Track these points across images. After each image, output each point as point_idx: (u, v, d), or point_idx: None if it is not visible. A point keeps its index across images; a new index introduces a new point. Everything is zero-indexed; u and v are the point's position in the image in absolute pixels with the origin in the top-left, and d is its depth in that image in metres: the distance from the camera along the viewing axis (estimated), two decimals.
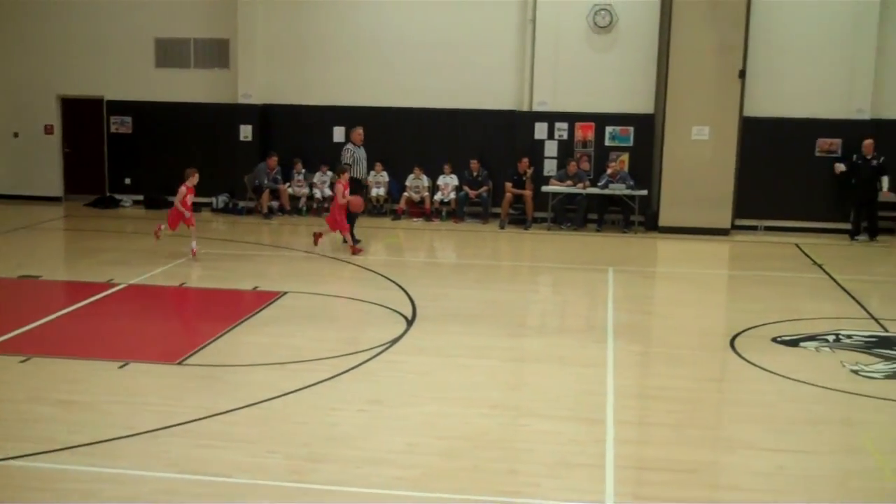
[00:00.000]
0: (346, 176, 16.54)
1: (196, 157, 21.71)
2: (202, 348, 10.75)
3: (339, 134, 21.19)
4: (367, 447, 8.01)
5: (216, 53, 21.66)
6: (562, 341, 11.70)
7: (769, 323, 12.35)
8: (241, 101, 21.36)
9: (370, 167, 20.91)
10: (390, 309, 12.70)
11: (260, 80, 21.40)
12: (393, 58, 20.91)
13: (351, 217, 16.66)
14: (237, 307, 12.91)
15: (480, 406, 9.09)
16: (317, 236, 16.68)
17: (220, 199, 21.44)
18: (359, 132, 17.92)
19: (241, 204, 21.33)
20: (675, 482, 7.50)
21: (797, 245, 18.36)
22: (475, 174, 20.48)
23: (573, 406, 9.24)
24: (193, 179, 15.87)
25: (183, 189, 15.70)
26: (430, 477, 7.47)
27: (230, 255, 16.49)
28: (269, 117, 21.57)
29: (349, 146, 17.76)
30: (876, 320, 12.70)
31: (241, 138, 21.49)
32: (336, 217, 16.30)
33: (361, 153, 17.83)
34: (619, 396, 9.46)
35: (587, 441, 8.26)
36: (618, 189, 19.47)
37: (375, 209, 20.97)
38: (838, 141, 19.63)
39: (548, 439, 8.32)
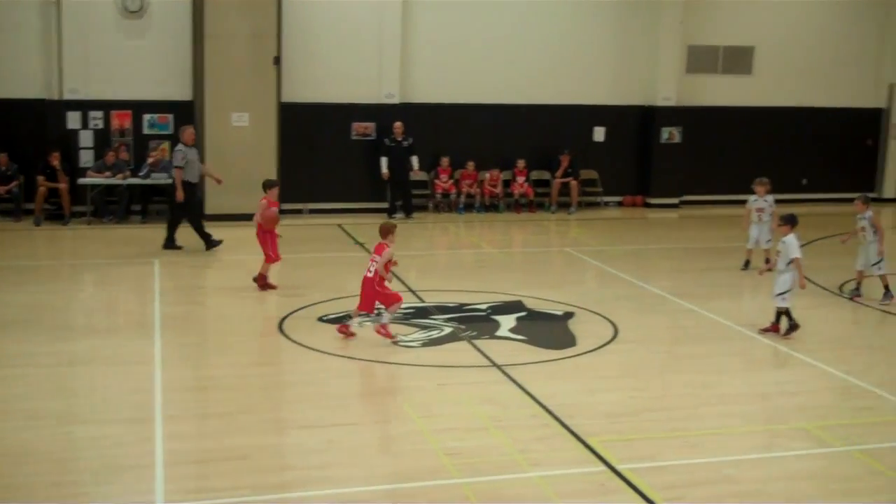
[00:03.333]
0: (275, 192, 13.88)
1: None
2: None
3: None
4: None
5: None
6: (108, 341, 11.20)
7: (315, 303, 12.72)
8: None
9: None
10: None
11: None
12: None
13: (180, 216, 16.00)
14: None
15: (18, 418, 8.47)
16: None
17: None
18: (190, 131, 16.38)
19: None
20: (226, 471, 7.48)
21: (340, 225, 19.06)
22: (4, 168, 18.98)
23: (120, 407, 8.90)
24: (392, 238, 11.21)
25: (388, 250, 11.02)
26: None
27: None
28: None
29: (180, 147, 16.14)
30: (413, 293, 13.51)
31: None
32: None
33: (194, 154, 16.30)
34: (168, 391, 9.25)
35: (135, 441, 8.00)
36: (160, 178, 18.97)
37: None
38: (372, 125, 20.63)
39: (93, 445, 7.94)
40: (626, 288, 14.31)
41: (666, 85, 22.12)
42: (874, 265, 13.51)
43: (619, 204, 22.57)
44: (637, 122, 22.40)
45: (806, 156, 23.44)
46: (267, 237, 13.66)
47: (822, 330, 12.03)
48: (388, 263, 11.02)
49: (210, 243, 16.38)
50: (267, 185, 13.96)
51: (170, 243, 16.40)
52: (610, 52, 22.01)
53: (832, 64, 23.39)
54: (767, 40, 22.88)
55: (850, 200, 22.90)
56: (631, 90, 22.23)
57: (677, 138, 22.30)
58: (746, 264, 15.35)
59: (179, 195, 16.13)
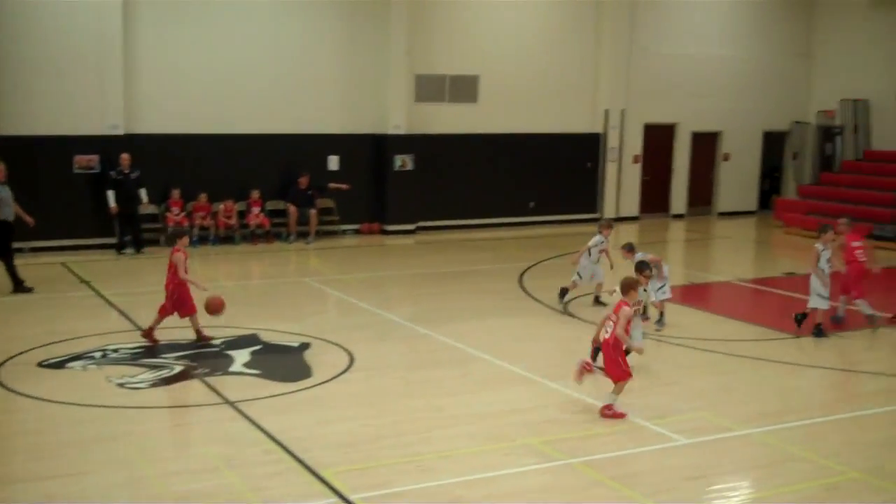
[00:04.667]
0: (185, 241, 12.44)
1: None
2: None
3: None
4: None
5: None
6: None
7: (35, 348, 11.96)
8: None
9: None
10: None
11: None
12: None
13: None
14: None
15: None
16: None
17: None
18: (1, 167, 15.33)
19: None
20: None
21: (64, 264, 18.08)
22: None
23: None
24: (634, 295, 10.16)
25: (628, 310, 9.85)
26: None
27: None
28: None
29: None
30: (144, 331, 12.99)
31: None
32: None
33: (6, 191, 15.34)
34: None
35: None
36: None
37: None
38: (96, 157, 19.73)
39: None
40: (364, 316, 14.39)
41: (396, 113, 22.50)
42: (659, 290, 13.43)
43: (357, 232, 22.71)
44: (370, 150, 22.64)
45: (532, 180, 24.51)
46: (184, 288, 12.35)
47: (545, 347, 12.53)
48: (628, 325, 9.80)
49: (21, 287, 15.40)
50: (176, 235, 12.79)
51: (18, 286, 15.45)
52: (340, 82, 22.15)
53: (553, 91, 24.62)
54: (491, 69, 23.77)
55: (576, 221, 24.33)
56: (362, 119, 22.46)
57: (409, 166, 22.72)
58: (564, 293, 14.99)
59: None
